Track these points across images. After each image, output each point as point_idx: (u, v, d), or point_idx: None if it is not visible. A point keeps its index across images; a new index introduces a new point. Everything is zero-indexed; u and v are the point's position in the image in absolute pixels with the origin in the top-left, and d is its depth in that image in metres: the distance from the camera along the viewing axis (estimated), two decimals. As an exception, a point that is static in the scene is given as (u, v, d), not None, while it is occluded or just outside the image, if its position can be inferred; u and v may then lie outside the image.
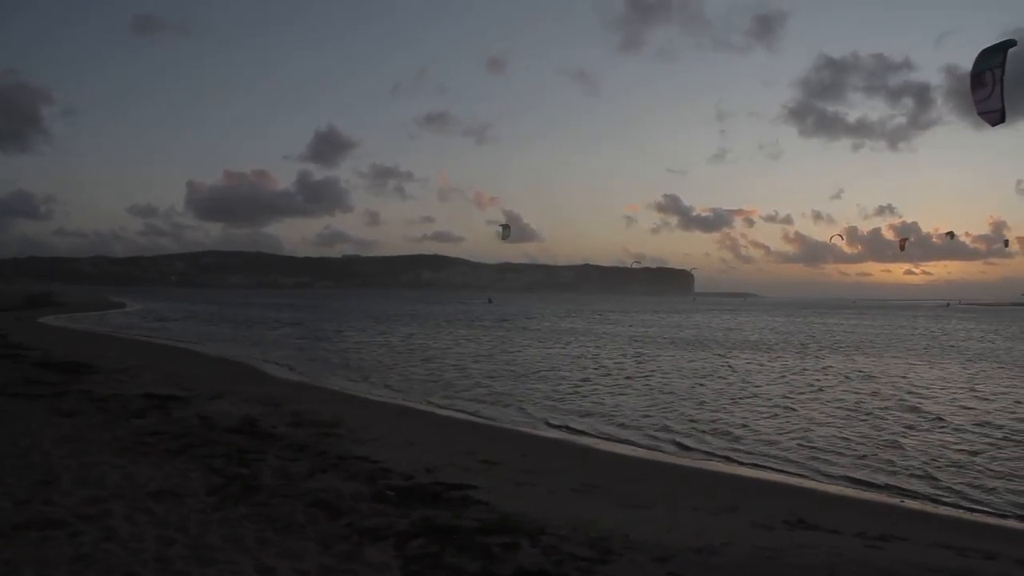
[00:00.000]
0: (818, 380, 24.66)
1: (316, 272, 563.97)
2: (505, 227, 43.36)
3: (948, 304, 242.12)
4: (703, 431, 15.23)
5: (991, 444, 14.16)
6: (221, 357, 29.10)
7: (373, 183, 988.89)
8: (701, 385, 22.81)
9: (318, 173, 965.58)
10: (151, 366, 21.52)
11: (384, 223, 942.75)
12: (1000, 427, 15.95)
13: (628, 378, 24.55)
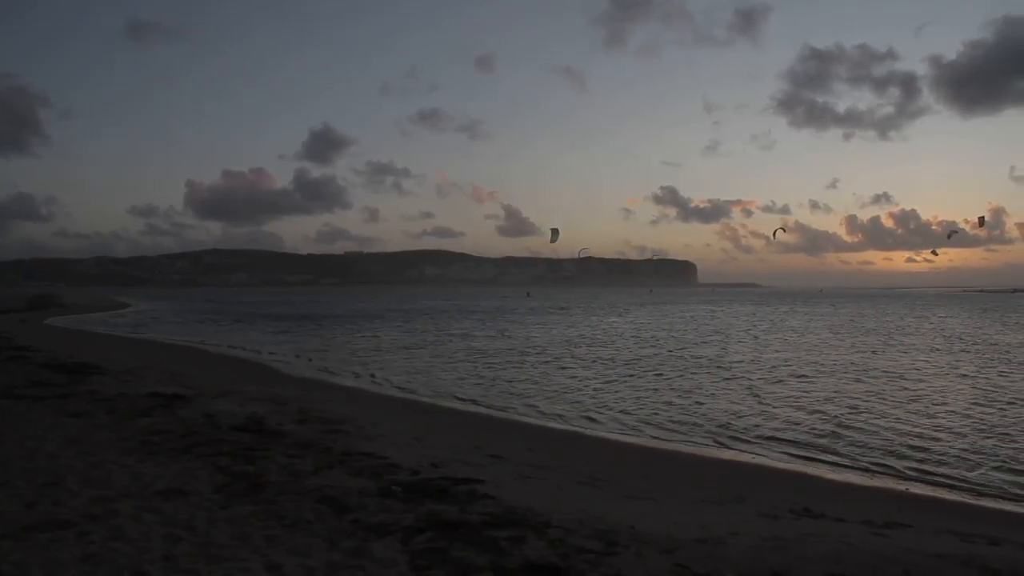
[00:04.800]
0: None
1: (319, 269, 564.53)
2: (554, 231, 43.70)
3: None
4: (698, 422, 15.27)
5: (978, 426, 14.17)
6: (226, 355, 29.19)
7: (370, 180, 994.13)
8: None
9: (315, 171, 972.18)
10: (156, 365, 21.56)
11: (384, 220, 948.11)
12: (993, 412, 15.96)
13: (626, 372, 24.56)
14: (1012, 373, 23.45)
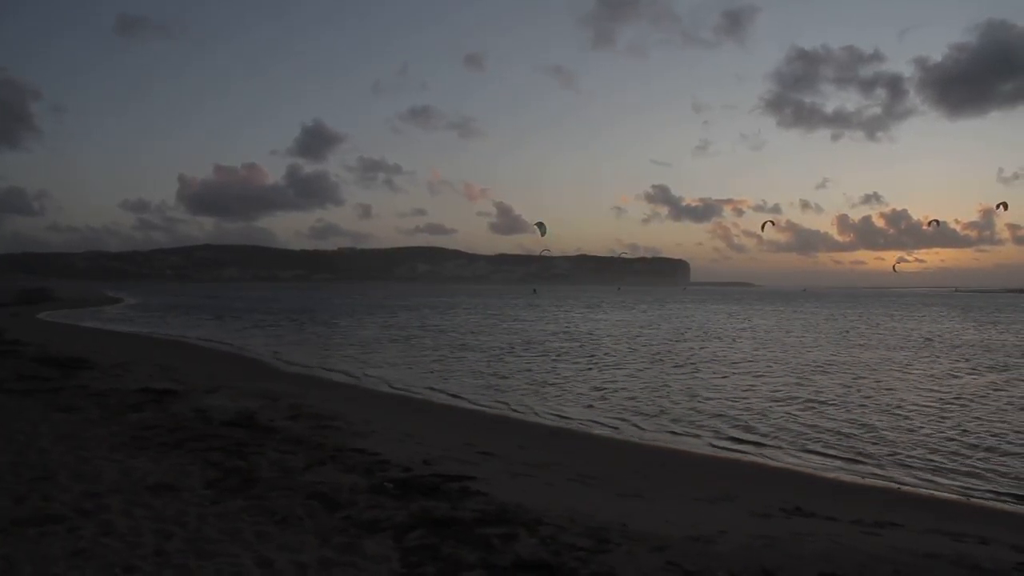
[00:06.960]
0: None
1: (312, 265, 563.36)
2: (540, 225, 44.03)
3: None
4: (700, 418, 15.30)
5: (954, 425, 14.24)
6: (218, 351, 29.08)
7: (362, 176, 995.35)
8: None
9: (307, 167, 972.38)
10: (147, 360, 21.48)
11: (376, 216, 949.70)
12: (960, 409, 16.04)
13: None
14: (982, 373, 23.59)
